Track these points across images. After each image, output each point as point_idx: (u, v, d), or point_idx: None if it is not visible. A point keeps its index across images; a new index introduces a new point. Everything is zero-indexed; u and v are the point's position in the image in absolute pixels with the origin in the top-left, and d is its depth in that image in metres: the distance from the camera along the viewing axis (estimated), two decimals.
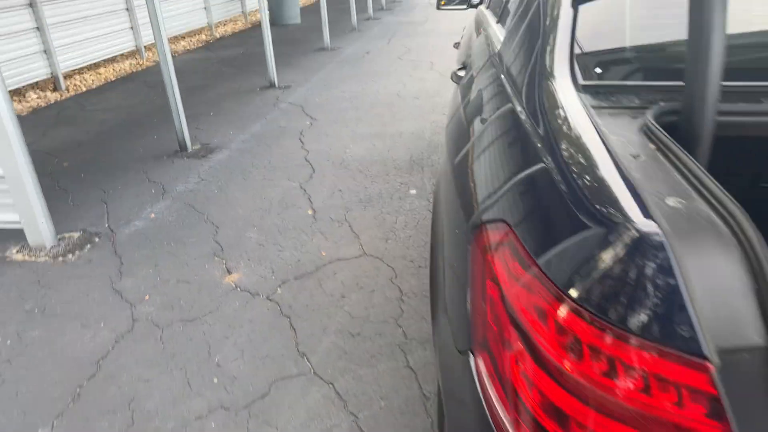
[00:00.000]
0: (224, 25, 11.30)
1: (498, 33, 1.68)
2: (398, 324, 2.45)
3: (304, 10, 12.59)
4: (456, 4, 3.48)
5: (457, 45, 2.96)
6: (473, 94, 1.46)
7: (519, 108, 1.09)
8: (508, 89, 1.19)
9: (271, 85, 6.61)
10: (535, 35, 1.18)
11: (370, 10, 11.87)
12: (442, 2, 3.50)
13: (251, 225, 3.38)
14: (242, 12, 11.79)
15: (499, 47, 1.50)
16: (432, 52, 7.96)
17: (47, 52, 6.69)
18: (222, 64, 7.98)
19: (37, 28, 6.55)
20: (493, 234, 0.89)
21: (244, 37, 10.21)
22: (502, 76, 1.29)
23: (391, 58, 7.81)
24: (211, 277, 2.88)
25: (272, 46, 6.49)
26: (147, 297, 2.74)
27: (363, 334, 2.40)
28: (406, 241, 3.12)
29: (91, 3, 7.42)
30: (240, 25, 11.47)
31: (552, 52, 1.07)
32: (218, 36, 10.39)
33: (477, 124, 1.25)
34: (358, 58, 7.96)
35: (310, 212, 3.51)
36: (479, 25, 2.64)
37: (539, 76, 1.06)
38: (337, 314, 2.54)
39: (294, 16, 11.43)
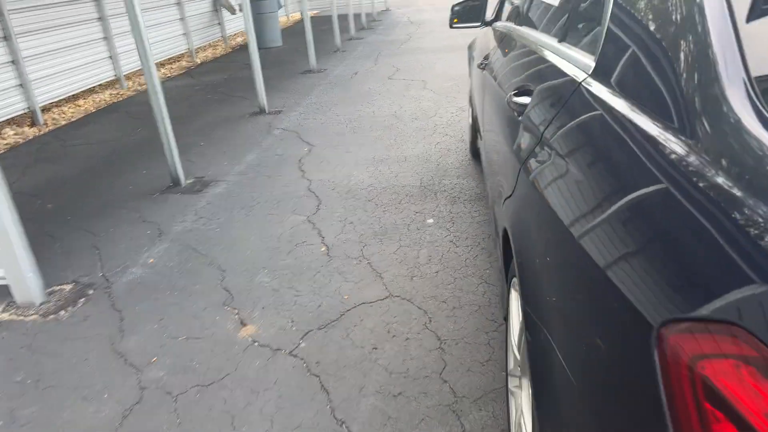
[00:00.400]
0: (204, 50, 11.04)
1: (575, 54, 1.45)
2: (443, 379, 2.19)
3: (285, 33, 12.39)
4: (470, 23, 3.30)
5: (483, 66, 2.74)
6: (566, 128, 1.22)
7: (683, 154, 0.85)
8: (650, 129, 0.95)
9: (262, 111, 6.35)
10: (677, 58, 0.94)
11: (352, 30, 11.71)
12: (455, 20, 3.30)
13: (261, 267, 3.10)
14: (222, 36, 11.54)
15: (590, 72, 1.26)
16: (421, 71, 7.78)
17: (23, 85, 6.36)
18: (207, 91, 7.71)
19: (12, 62, 6.22)
20: (710, 341, 0.65)
21: (226, 62, 9.95)
22: (620, 108, 1.06)
23: (381, 78, 7.61)
24: (225, 331, 2.60)
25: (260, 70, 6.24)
26: (154, 359, 2.44)
27: (406, 393, 2.13)
28: (434, 278, 2.87)
29: (68, 33, 7.12)
30: (220, 50, 11.21)
31: (718, 80, 0.83)
32: (199, 62, 10.12)
33: (602, 173, 1.01)
34: (346, 79, 7.74)
35: (323, 249, 3.25)
36: (509, 44, 2.42)
37: (708, 113, 0.83)
38: (373, 370, 2.27)
39: (276, 39, 11.21)
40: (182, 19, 9.84)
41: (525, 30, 2.22)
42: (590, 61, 1.31)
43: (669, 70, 0.96)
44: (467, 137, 4.86)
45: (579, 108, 1.22)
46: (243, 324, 2.63)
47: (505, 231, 1.75)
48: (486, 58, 2.76)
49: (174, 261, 3.25)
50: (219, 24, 11.39)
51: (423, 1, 18.44)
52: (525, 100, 1.62)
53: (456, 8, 3.27)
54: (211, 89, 7.80)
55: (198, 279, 3.04)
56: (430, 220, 3.49)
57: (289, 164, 4.67)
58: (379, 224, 3.49)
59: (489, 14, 3.45)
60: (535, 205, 1.24)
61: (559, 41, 1.64)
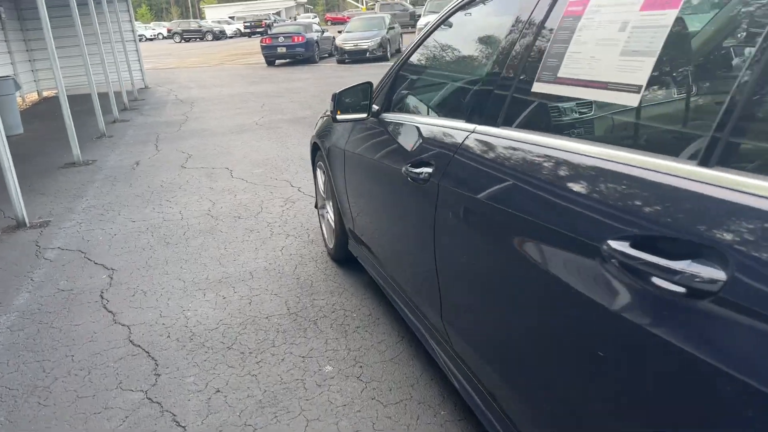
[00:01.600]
0: None
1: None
2: None
3: (23, 117, 10.28)
4: (357, 114, 2.60)
5: (421, 177, 1.96)
6: None
7: None
8: None
9: (20, 225, 4.76)
10: None
11: (115, 112, 10.18)
12: (338, 111, 2.58)
13: None
14: None
15: None
16: (220, 157, 6.80)
17: None
18: None
19: None
20: None
21: None
22: None
23: (173, 167, 6.44)
24: None
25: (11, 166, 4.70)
26: None
27: None
28: None
29: None
30: None
31: None
32: None
33: None
34: (128, 171, 6.40)
35: None
36: (489, 156, 1.68)
37: None
38: None
39: (15, 126, 9.19)
40: None
41: (538, 138, 1.46)
42: None
43: None
44: (319, 237, 4.07)
45: None
46: None
47: None
48: (420, 165, 2.00)
49: None
50: None
51: (184, 77, 17.37)
52: (678, 266, 0.94)
53: (339, 97, 2.54)
54: None
55: None
56: (329, 368, 2.60)
57: (86, 303, 3.35)
58: (261, 388, 2.48)
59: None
60: None
61: (704, 166, 1.01)
